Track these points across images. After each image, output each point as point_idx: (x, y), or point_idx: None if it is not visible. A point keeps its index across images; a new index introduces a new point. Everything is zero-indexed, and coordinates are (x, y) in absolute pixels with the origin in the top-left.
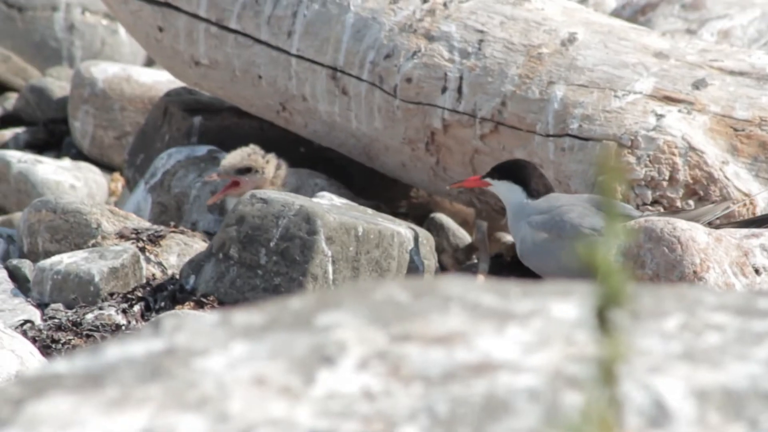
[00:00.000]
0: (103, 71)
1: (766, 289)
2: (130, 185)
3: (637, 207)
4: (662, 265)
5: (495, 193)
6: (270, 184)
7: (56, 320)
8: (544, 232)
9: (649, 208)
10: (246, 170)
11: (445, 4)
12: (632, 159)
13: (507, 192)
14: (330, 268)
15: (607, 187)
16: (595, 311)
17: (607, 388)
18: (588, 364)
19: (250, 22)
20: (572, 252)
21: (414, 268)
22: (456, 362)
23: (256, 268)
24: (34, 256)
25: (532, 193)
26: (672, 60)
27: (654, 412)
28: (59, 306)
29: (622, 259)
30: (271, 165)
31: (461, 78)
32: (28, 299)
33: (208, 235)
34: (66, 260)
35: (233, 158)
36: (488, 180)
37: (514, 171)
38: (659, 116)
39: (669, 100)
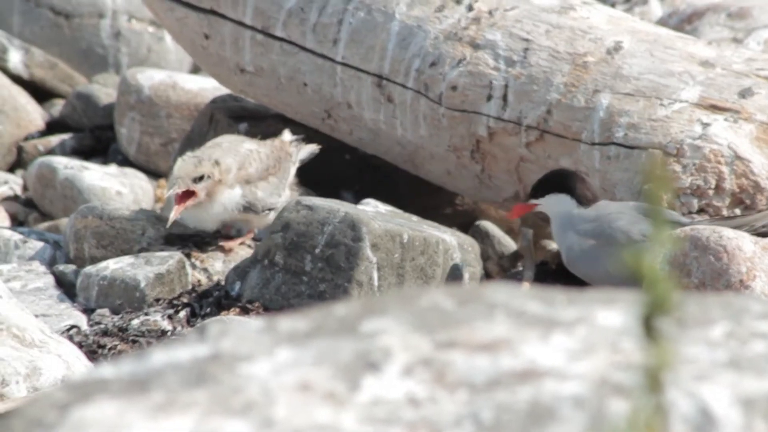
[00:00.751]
0: (149, 78)
1: None
2: None
3: (683, 216)
4: (708, 274)
5: (543, 211)
6: (220, 183)
7: (102, 326)
8: (592, 239)
9: (695, 216)
10: (200, 178)
11: (490, 12)
12: (678, 168)
13: (555, 204)
14: (375, 275)
15: (652, 196)
16: (641, 319)
17: (653, 396)
18: (634, 371)
19: (295, 30)
20: (621, 259)
21: (459, 275)
22: (501, 369)
23: (301, 274)
24: (81, 262)
25: (582, 200)
26: (718, 69)
27: (700, 420)
28: (105, 311)
29: (669, 267)
30: (216, 167)
31: (506, 86)
32: (75, 305)
33: (254, 241)
34: (112, 266)
35: (186, 168)
36: (533, 201)
37: (559, 181)
38: (705, 125)
39: (715, 108)
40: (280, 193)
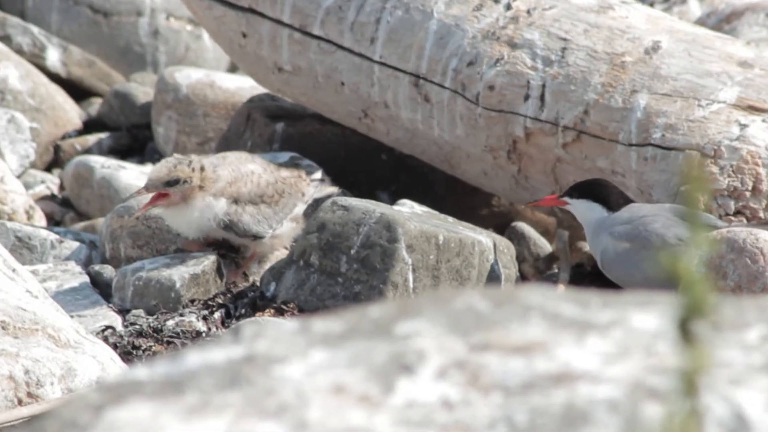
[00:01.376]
0: (186, 77)
1: None
2: None
3: (720, 217)
4: (744, 276)
5: (571, 211)
6: (199, 189)
7: (137, 326)
8: (627, 242)
9: (732, 218)
10: (174, 182)
11: (528, 12)
12: (715, 169)
13: (585, 210)
14: (410, 277)
15: (689, 197)
16: (677, 322)
17: (687, 400)
18: (669, 375)
19: (333, 29)
20: (656, 262)
21: (494, 277)
22: (535, 372)
23: (336, 275)
24: (116, 262)
25: (612, 208)
26: (756, 69)
27: (735, 425)
28: (140, 312)
29: (705, 269)
30: (197, 172)
31: (544, 86)
32: (110, 305)
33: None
34: (147, 266)
35: (160, 171)
36: (566, 199)
37: (593, 190)
38: (743, 126)
39: (753, 109)
40: (272, 225)
